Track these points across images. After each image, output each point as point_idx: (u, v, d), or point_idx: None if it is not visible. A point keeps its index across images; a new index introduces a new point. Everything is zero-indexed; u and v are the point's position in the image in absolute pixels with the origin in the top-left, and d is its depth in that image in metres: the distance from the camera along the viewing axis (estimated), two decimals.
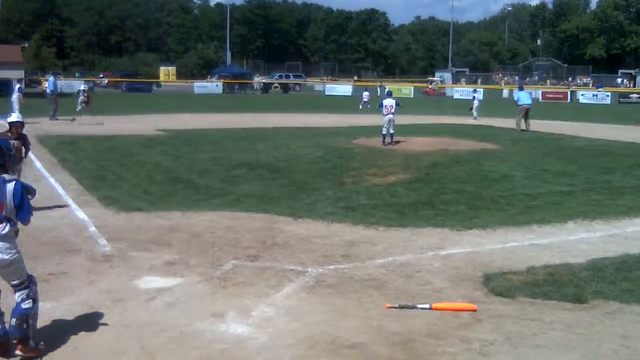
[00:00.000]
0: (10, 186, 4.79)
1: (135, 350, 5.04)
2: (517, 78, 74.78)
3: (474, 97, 32.39)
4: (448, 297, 6.30)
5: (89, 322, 5.54)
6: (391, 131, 18.36)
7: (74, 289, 6.41)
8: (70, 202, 10.54)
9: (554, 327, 5.59)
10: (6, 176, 4.85)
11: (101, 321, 5.57)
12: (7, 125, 9.63)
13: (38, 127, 22.74)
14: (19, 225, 4.94)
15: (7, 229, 4.74)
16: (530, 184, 12.70)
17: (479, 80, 76.71)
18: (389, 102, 18.47)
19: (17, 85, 26.09)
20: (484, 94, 56.60)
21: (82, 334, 5.30)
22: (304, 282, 6.71)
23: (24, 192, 4.86)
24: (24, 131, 10.01)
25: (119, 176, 13.08)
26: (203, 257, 7.50)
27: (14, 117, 9.76)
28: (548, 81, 76.10)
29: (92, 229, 8.78)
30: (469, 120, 29.34)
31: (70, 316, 5.67)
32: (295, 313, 5.87)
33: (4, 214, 4.75)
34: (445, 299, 6.25)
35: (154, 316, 5.75)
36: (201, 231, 8.71)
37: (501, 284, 6.64)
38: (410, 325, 5.62)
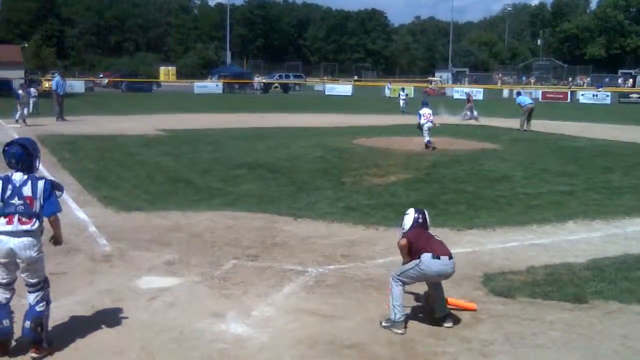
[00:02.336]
0: (40, 184, 4.92)
1: (135, 350, 5.04)
2: (523, 79, 74.83)
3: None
4: (448, 297, 6.30)
5: (89, 322, 5.54)
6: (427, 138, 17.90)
7: (74, 289, 6.41)
8: (70, 201, 10.51)
9: (554, 327, 5.60)
10: (36, 174, 5.00)
11: (101, 321, 5.57)
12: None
13: (38, 127, 22.78)
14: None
15: (36, 225, 4.86)
16: (530, 184, 12.70)
17: (464, 80, 76.96)
18: (426, 111, 17.99)
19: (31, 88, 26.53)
20: (483, 94, 56.73)
21: (82, 334, 5.29)
22: (304, 282, 6.71)
23: (52, 189, 5.00)
24: None
25: (119, 176, 13.07)
26: (203, 257, 7.50)
27: None
28: (531, 80, 76.05)
29: (92, 228, 8.77)
30: (472, 121, 29.34)
31: (70, 316, 5.66)
32: (295, 313, 5.87)
33: (34, 210, 4.86)
34: None
35: (154, 316, 5.75)
36: (201, 231, 8.71)
37: (501, 284, 6.65)
38: (410, 325, 5.62)
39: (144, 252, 7.71)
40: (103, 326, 5.48)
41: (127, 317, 5.68)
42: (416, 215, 6.17)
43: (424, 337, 5.39)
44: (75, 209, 9.98)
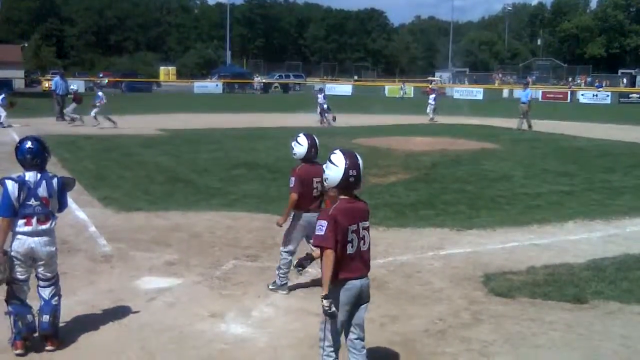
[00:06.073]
0: (54, 182, 5.00)
1: (135, 350, 5.04)
2: (524, 79, 74.68)
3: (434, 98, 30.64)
4: (448, 297, 6.31)
5: (89, 322, 5.55)
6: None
7: (74, 289, 6.40)
8: (70, 202, 10.47)
9: (554, 327, 5.60)
10: (50, 173, 5.05)
11: (101, 321, 5.58)
12: None
13: (38, 126, 22.77)
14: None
15: (53, 223, 4.96)
16: (530, 184, 12.71)
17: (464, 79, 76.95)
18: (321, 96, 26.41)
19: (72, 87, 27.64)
20: (483, 94, 56.68)
21: (82, 334, 5.30)
22: (303, 282, 6.70)
23: (64, 187, 5.12)
24: None
25: (119, 176, 13.07)
26: (203, 257, 7.50)
27: None
28: (532, 79, 75.88)
29: (92, 229, 8.78)
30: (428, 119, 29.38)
31: (70, 316, 5.66)
32: (295, 313, 5.87)
33: (50, 209, 4.94)
34: (445, 298, 6.26)
35: (154, 316, 5.75)
36: (201, 231, 8.71)
37: (501, 284, 6.64)
38: (410, 325, 5.62)
39: (144, 252, 7.71)
40: (103, 326, 5.48)
41: (127, 317, 5.69)
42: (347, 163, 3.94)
43: (424, 337, 5.39)
44: (75, 209, 9.96)
